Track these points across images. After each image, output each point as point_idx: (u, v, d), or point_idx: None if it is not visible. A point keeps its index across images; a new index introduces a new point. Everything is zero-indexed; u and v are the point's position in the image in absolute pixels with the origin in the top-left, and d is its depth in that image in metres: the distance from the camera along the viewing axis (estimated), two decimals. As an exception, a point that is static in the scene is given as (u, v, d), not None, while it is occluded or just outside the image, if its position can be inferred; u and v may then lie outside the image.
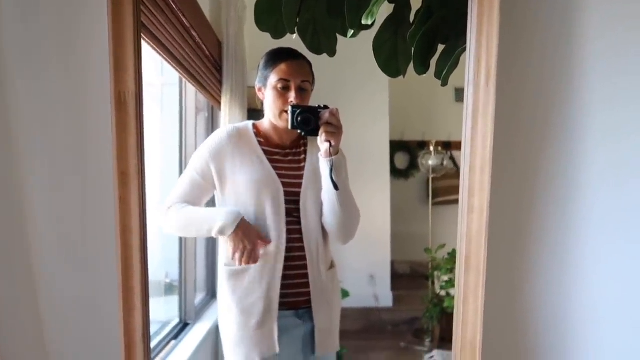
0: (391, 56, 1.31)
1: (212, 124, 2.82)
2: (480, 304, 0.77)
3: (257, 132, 1.59)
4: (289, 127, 1.47)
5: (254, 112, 2.82)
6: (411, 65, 1.34)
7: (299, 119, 1.44)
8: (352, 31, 1.31)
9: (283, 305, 1.51)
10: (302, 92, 1.51)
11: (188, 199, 1.53)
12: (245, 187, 1.50)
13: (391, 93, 4.39)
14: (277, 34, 1.34)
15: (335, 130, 1.45)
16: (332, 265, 1.68)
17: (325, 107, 1.49)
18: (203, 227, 1.52)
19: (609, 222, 0.95)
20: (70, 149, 0.84)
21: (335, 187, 1.46)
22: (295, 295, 1.53)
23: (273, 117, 1.55)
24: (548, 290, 0.92)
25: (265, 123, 1.62)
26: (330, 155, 1.45)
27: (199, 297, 2.70)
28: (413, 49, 1.15)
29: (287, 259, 1.52)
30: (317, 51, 1.39)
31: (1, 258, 0.83)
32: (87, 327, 0.86)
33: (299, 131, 1.47)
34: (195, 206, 1.54)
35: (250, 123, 1.65)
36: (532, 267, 0.93)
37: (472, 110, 0.77)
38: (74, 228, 0.85)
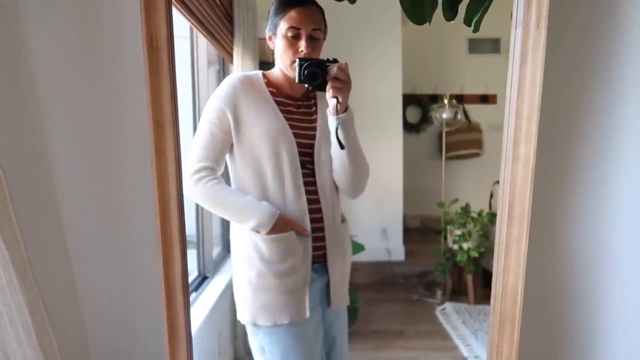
0: (417, 1, 1.25)
1: (223, 77, 2.77)
2: (524, 253, 0.77)
3: (268, 82, 1.52)
4: (296, 80, 1.39)
5: (266, 65, 2.75)
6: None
7: (306, 72, 1.37)
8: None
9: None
10: (313, 41, 1.43)
11: (212, 158, 1.42)
12: (260, 139, 1.43)
13: (404, 45, 4.28)
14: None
15: (342, 86, 1.38)
16: (343, 219, 1.65)
17: (334, 61, 1.41)
18: (235, 216, 1.46)
19: None
20: (102, 100, 0.81)
21: (341, 146, 1.41)
22: (313, 249, 1.49)
23: (284, 67, 1.47)
24: (585, 239, 0.91)
25: (275, 73, 1.54)
26: (337, 112, 1.39)
27: (216, 250, 2.74)
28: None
29: (312, 215, 1.48)
30: (334, -6, 1.33)
31: (36, 208, 0.82)
32: (126, 281, 0.87)
33: (305, 85, 1.41)
34: (218, 164, 1.44)
35: (259, 72, 1.57)
36: (572, 217, 0.91)
37: (520, 54, 0.72)
38: (110, 181, 0.84)
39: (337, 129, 1.40)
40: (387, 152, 4.18)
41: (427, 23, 1.43)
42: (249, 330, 1.49)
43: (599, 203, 0.94)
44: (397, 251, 4.24)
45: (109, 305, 0.92)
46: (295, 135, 1.46)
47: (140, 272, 0.86)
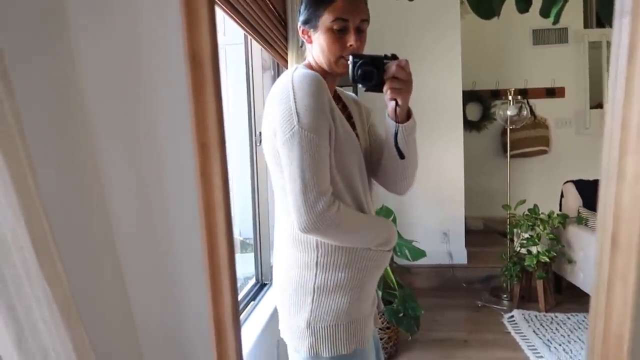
0: (485, -6, 1.12)
1: (278, 83, 2.72)
2: (632, 291, 0.63)
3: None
4: (350, 80, 1.19)
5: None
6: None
7: (360, 71, 1.17)
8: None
9: None
10: (361, 33, 1.24)
11: (328, 178, 1.18)
12: (348, 147, 1.24)
13: (463, 39, 4.05)
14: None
15: (402, 86, 1.18)
16: None
17: (393, 57, 1.19)
18: (369, 237, 1.25)
19: None
20: (144, 121, 0.75)
21: (401, 156, 1.23)
22: None
23: (327, 64, 1.25)
24: None
25: (318, 73, 1.24)
26: (397, 117, 1.20)
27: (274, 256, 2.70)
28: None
29: None
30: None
31: (86, 237, 0.78)
32: (174, 315, 0.80)
33: (360, 86, 1.20)
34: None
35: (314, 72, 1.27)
36: None
37: (628, 47, 0.59)
38: (155, 209, 0.77)
39: (396, 135, 1.22)
40: (447, 152, 3.98)
41: (496, 17, 1.30)
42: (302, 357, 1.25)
43: None
44: (459, 254, 4.04)
45: (163, 340, 0.86)
46: (361, 140, 1.30)
47: (190, 306, 0.79)
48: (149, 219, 0.80)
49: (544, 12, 1.06)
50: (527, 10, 1.13)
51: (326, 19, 1.22)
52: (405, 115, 1.23)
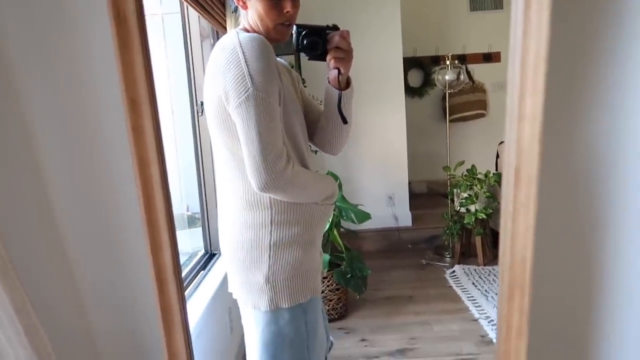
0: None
1: (218, 51, 2.68)
2: (532, 218, 0.71)
3: None
4: (294, 49, 1.23)
5: (261, 36, 2.64)
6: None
7: (305, 41, 1.20)
8: None
9: None
10: (296, 1, 1.25)
11: (282, 139, 1.22)
12: (293, 110, 1.28)
13: (403, 7, 4.12)
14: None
15: (344, 56, 1.24)
16: None
17: (335, 28, 1.24)
18: (318, 193, 1.31)
19: None
20: (73, 79, 0.75)
21: (344, 120, 1.30)
22: None
23: (265, 30, 1.25)
24: (599, 204, 0.85)
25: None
26: (339, 85, 1.26)
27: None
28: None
29: None
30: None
31: (20, 195, 0.78)
32: (116, 268, 0.82)
33: (303, 54, 1.24)
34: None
35: (262, 37, 1.25)
36: (585, 178, 0.85)
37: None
38: (88, 165, 0.78)
39: (339, 103, 1.27)
40: (390, 118, 4.09)
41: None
42: (265, 318, 1.30)
43: (613, 164, 0.87)
44: (404, 217, 4.21)
45: (107, 296, 0.88)
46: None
47: (132, 261, 0.81)
48: (84, 176, 0.81)
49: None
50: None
51: None
52: (345, 83, 1.28)
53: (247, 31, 1.27)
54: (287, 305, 1.28)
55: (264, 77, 1.15)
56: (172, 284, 0.73)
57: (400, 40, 3.98)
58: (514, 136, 0.69)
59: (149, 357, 0.87)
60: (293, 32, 1.23)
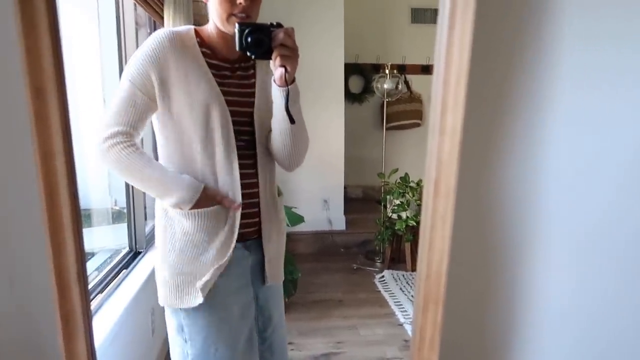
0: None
1: (154, 42, 2.58)
2: (449, 231, 0.73)
3: (201, 42, 1.31)
4: (237, 48, 1.20)
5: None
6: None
7: (249, 39, 1.18)
8: None
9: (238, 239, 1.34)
10: None
11: (130, 122, 1.24)
12: (189, 106, 1.27)
13: (346, 14, 4.17)
14: None
15: (290, 54, 1.22)
16: (279, 193, 1.52)
17: (279, 26, 1.21)
18: (154, 190, 1.30)
19: (577, 156, 0.90)
20: None
21: (292, 120, 1.26)
22: (245, 225, 1.35)
23: (220, 22, 1.26)
24: (514, 220, 0.88)
25: (209, 30, 1.31)
26: (286, 83, 1.23)
27: (150, 224, 2.60)
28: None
29: (245, 187, 1.32)
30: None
31: None
32: (20, 273, 0.74)
33: (248, 54, 1.21)
34: (137, 130, 1.26)
35: (191, 29, 1.32)
36: (501, 194, 0.88)
37: (449, 17, 0.66)
38: None
39: (286, 102, 1.24)
40: (328, 122, 4.12)
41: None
42: (167, 311, 1.35)
43: (530, 182, 0.91)
44: (338, 221, 4.25)
45: (4, 299, 0.80)
46: (229, 102, 1.29)
47: (32, 261, 0.74)
48: None
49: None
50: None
51: None
52: (292, 82, 1.25)
53: (209, 25, 1.30)
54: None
55: (132, 65, 1.25)
56: (76, 288, 0.67)
57: (342, 46, 4.02)
58: (435, 149, 0.71)
59: None
60: (235, 30, 1.19)
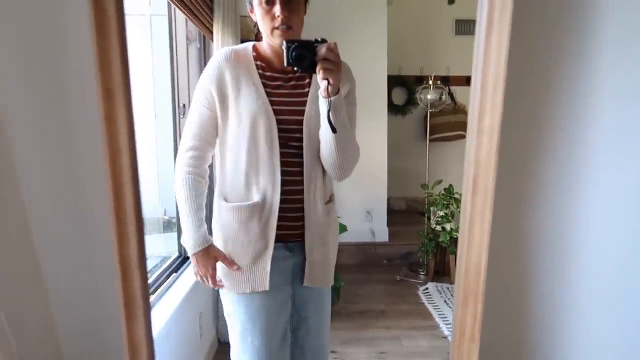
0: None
1: (204, 55, 2.71)
2: (487, 227, 0.75)
3: (257, 56, 1.44)
4: (285, 64, 1.31)
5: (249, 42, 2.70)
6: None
7: (294, 54, 1.29)
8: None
9: (278, 239, 1.44)
10: (289, 4, 1.34)
11: (200, 136, 1.44)
12: (240, 116, 1.39)
13: (390, 26, 4.22)
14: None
15: (333, 67, 1.29)
16: (330, 199, 1.57)
17: (323, 41, 1.31)
18: (181, 217, 1.47)
19: (617, 145, 0.91)
20: (50, 69, 0.76)
21: (334, 130, 1.33)
22: (287, 228, 1.45)
23: (267, 36, 1.39)
24: (551, 214, 0.89)
25: (264, 46, 1.44)
26: (329, 95, 1.31)
27: (197, 232, 2.71)
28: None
29: (283, 192, 1.42)
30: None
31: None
32: (88, 261, 0.83)
33: (295, 68, 1.32)
34: (208, 142, 1.45)
35: (250, 45, 1.47)
36: (538, 192, 0.90)
37: (486, 23, 0.70)
38: (61, 154, 0.79)
39: (328, 112, 1.32)
40: (372, 134, 4.15)
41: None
42: (221, 292, 1.52)
43: (566, 179, 0.92)
44: (381, 233, 4.25)
45: (73, 287, 0.89)
46: (278, 112, 1.40)
47: (99, 251, 0.82)
48: (54, 165, 0.82)
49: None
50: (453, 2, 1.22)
51: None
52: (335, 94, 1.33)
53: (258, 39, 1.47)
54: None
55: (196, 87, 1.44)
56: (137, 273, 0.74)
57: (385, 59, 4.06)
58: (473, 149, 0.73)
59: (109, 349, 0.87)
60: (283, 47, 1.30)
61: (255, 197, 1.42)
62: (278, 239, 1.44)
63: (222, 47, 2.44)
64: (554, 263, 0.91)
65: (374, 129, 4.09)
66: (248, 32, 3.21)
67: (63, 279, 0.93)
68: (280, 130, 1.40)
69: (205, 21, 2.39)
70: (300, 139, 1.43)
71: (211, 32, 2.50)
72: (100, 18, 0.66)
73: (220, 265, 1.46)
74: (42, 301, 0.91)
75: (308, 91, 1.44)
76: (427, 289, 3.40)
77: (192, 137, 1.44)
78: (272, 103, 1.40)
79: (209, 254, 1.44)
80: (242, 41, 2.56)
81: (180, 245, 2.55)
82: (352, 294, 3.27)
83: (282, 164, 1.40)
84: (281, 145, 1.40)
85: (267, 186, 1.41)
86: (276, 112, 1.40)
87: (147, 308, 0.76)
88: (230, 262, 1.44)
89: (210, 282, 1.46)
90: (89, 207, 0.84)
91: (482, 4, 0.70)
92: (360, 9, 4.07)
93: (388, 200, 4.29)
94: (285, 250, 1.46)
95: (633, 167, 0.91)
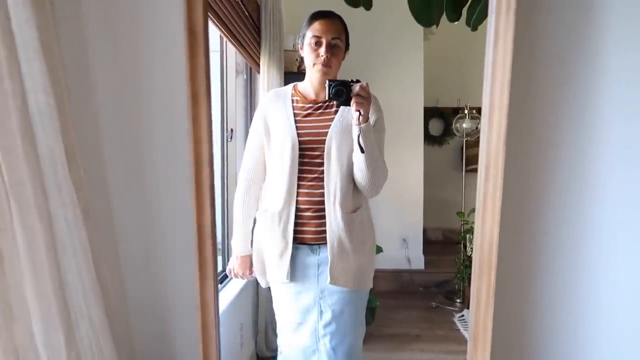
0: (424, 5, 1.42)
1: (250, 85, 2.98)
2: (498, 206, 0.90)
3: (294, 93, 1.85)
4: (326, 97, 1.66)
5: (291, 75, 2.96)
6: (444, 28, 1.44)
7: (334, 90, 1.63)
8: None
9: (300, 241, 1.79)
10: (333, 47, 1.72)
11: (250, 165, 1.88)
12: (274, 145, 1.78)
13: (426, 61, 4.44)
14: (315, -9, 1.47)
15: (364, 101, 1.62)
16: (355, 209, 1.84)
17: (357, 81, 1.66)
18: (234, 232, 1.96)
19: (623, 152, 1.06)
20: (145, 79, 1.01)
21: (362, 150, 1.66)
22: (310, 232, 1.79)
23: (309, 68, 1.77)
24: (557, 194, 1.06)
25: (305, 81, 1.85)
26: (360, 123, 1.64)
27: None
28: (445, -3, 1.25)
29: (305, 202, 1.76)
30: (354, 3, 1.52)
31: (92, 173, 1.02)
32: (166, 229, 1.05)
33: (334, 102, 1.68)
34: (257, 166, 1.88)
35: (292, 85, 1.88)
36: (545, 175, 1.06)
37: (494, 36, 0.88)
38: (150, 142, 1.03)
39: (359, 136, 1.64)
40: (408, 163, 4.31)
41: (435, 26, 1.60)
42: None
43: (570, 165, 1.08)
44: (417, 260, 4.33)
45: (146, 257, 1.12)
46: (302, 134, 1.75)
47: (177, 220, 1.05)
48: (146, 150, 1.05)
49: (468, 22, 1.36)
50: (456, 20, 1.43)
51: (308, 35, 1.76)
52: (365, 122, 1.66)
53: (300, 72, 1.99)
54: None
55: (252, 122, 1.89)
56: (209, 242, 0.93)
57: (422, 92, 4.26)
58: (485, 143, 0.90)
59: (181, 304, 1.08)
60: (326, 84, 1.65)
61: (277, 207, 1.75)
62: (301, 241, 1.79)
63: (267, 77, 2.70)
64: (563, 237, 1.06)
65: (409, 159, 4.25)
66: (290, 65, 3.49)
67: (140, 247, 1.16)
68: (301, 149, 1.74)
69: (254, 54, 2.66)
70: (322, 157, 1.75)
71: (258, 65, 2.77)
72: (192, 40, 0.89)
73: (255, 262, 1.94)
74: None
75: (334, 117, 1.78)
76: (462, 316, 3.45)
77: (246, 170, 1.89)
78: (297, 128, 1.76)
79: (242, 262, 1.98)
80: (285, 73, 2.83)
81: (225, 260, 2.75)
82: (387, 318, 3.37)
83: (304, 178, 1.75)
84: (303, 163, 1.75)
85: (287, 197, 1.73)
86: (300, 135, 1.76)
87: (215, 271, 0.96)
88: (246, 276, 2.00)
89: (243, 276, 1.97)
90: (172, 188, 1.07)
91: (490, 21, 0.88)
92: (397, 48, 4.31)
93: (425, 230, 4.39)
94: (308, 250, 1.79)
95: (636, 166, 1.07)
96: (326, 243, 1.76)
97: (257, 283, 2.31)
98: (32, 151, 0.75)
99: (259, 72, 2.83)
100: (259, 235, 1.88)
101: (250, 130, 1.89)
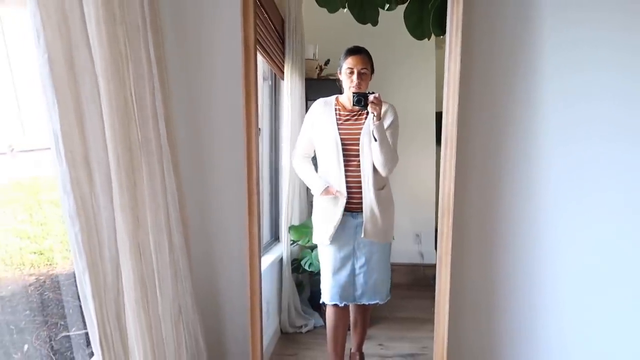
0: (417, 23, 1.88)
1: (275, 91, 3.44)
2: (452, 169, 1.37)
3: (336, 102, 2.84)
4: (351, 105, 2.70)
5: (311, 81, 3.41)
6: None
7: (356, 99, 2.65)
8: (389, 4, 1.90)
9: (347, 209, 2.73)
10: (362, 75, 2.73)
11: (303, 146, 2.90)
12: (322, 137, 2.79)
13: (437, 67, 4.83)
14: (332, 9, 1.96)
15: (376, 106, 2.62)
16: (382, 187, 2.80)
17: (372, 93, 2.64)
18: (309, 182, 2.89)
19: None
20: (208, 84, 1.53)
21: (375, 139, 2.64)
22: (353, 204, 2.76)
23: (345, 89, 2.79)
24: (502, 163, 1.53)
25: (343, 95, 2.86)
26: (374, 121, 2.62)
27: (265, 239, 3.37)
28: (431, 16, 1.71)
29: (349, 183, 2.71)
30: (362, 21, 2.00)
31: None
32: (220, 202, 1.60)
33: (357, 107, 2.67)
34: (307, 150, 2.89)
35: (334, 96, 2.88)
36: (491, 147, 1.52)
37: (448, 53, 1.34)
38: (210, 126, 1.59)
39: (373, 130, 2.64)
40: (421, 164, 4.71)
41: (427, 39, 2.06)
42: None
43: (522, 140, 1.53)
44: (430, 255, 4.69)
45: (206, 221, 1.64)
46: (343, 134, 2.74)
47: (229, 195, 1.59)
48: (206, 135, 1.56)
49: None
50: (442, 34, 1.89)
51: (344, 66, 2.78)
52: (377, 120, 2.58)
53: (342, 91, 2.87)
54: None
55: (304, 119, 2.95)
56: (256, 219, 1.42)
57: (433, 97, 4.68)
58: (443, 128, 1.36)
59: (235, 287, 1.61)
60: (351, 96, 2.69)
61: (333, 188, 2.68)
62: (347, 210, 2.74)
63: (290, 83, 3.17)
64: (500, 189, 1.54)
65: (422, 160, 4.65)
66: (311, 72, 3.97)
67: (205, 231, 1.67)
68: (343, 146, 2.68)
69: (279, 62, 3.13)
70: (358, 151, 2.67)
71: (282, 72, 3.24)
72: (247, 52, 1.37)
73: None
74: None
75: (364, 122, 2.69)
76: (471, 305, 3.83)
77: (298, 147, 2.92)
78: (339, 130, 2.71)
79: (328, 191, 2.76)
80: (306, 79, 3.30)
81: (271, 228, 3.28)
82: (401, 305, 3.76)
83: (346, 167, 2.67)
84: (345, 156, 2.67)
85: (337, 181, 2.68)
86: (341, 134, 2.74)
87: (260, 244, 1.45)
88: (340, 193, 2.74)
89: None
90: (226, 180, 1.59)
91: (448, 38, 1.34)
92: (412, 55, 4.74)
93: (436, 228, 4.77)
94: (350, 217, 2.70)
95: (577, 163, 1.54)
96: (361, 211, 2.70)
97: (281, 268, 2.86)
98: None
99: (282, 79, 3.30)
100: (316, 208, 2.84)
101: (304, 123, 2.93)
